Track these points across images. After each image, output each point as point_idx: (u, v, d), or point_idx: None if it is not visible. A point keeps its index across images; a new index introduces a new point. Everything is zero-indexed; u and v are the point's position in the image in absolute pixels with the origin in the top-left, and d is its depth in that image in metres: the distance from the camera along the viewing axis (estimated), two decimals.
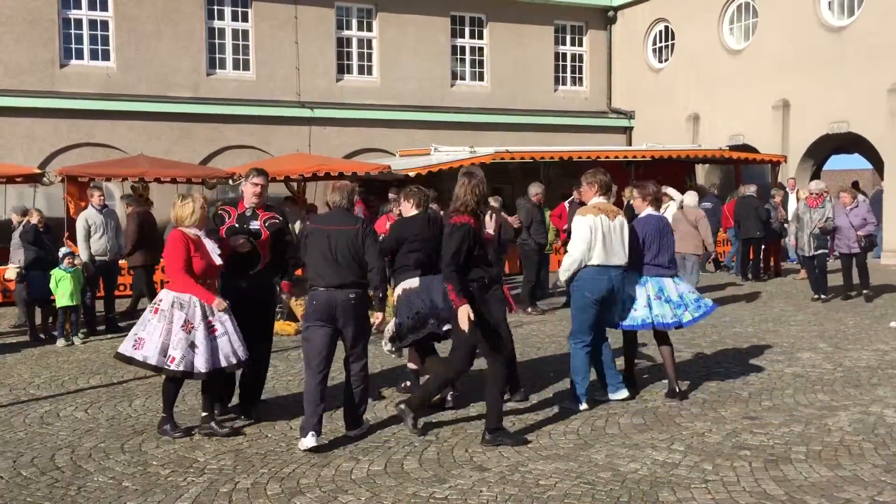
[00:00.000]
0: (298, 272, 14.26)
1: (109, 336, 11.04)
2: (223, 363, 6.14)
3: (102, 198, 11.55)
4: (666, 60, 23.94)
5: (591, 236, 6.84)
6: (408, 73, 22.33)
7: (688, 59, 22.85)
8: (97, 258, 11.24)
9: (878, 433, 6.12)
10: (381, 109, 21.97)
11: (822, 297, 12.99)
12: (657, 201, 7.70)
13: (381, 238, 7.15)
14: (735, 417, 6.60)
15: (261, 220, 6.75)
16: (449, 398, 7.02)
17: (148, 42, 19.77)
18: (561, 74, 24.73)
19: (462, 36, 23.39)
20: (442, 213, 8.13)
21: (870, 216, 13.06)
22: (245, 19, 20.92)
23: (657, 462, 5.58)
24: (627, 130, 25.00)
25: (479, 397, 7.30)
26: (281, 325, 10.96)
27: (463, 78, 23.48)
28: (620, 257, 6.97)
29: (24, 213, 11.99)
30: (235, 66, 20.92)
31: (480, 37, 23.60)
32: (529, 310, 12.39)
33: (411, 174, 16.71)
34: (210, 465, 5.64)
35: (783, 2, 20.34)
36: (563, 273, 7.01)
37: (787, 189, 18.18)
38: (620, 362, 7.67)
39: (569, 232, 13.35)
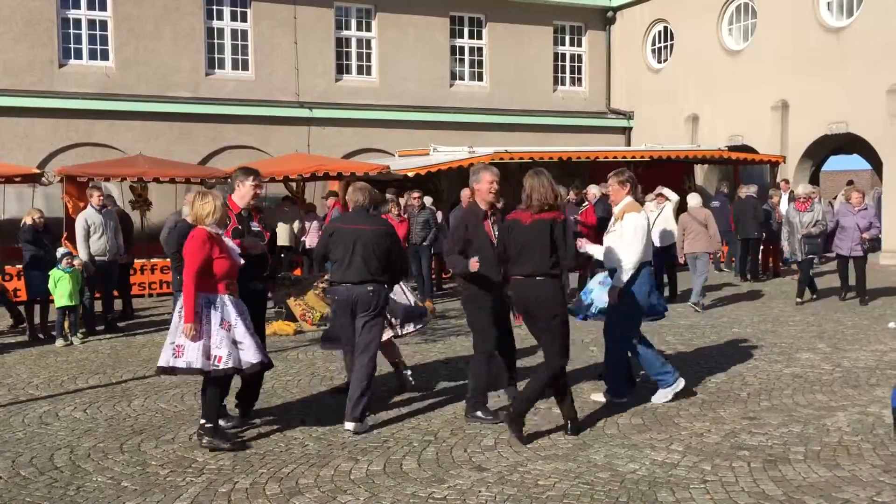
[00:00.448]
0: (297, 272, 14.31)
1: (108, 336, 11.03)
2: (264, 359, 6.14)
3: (101, 198, 11.54)
4: (665, 61, 23.96)
5: (645, 234, 7.03)
6: (407, 74, 22.34)
7: (687, 59, 22.86)
8: (97, 258, 11.23)
9: (876, 433, 6.12)
10: (380, 109, 21.98)
11: (813, 296, 12.94)
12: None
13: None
14: (734, 418, 6.60)
15: (256, 221, 6.75)
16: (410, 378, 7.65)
17: (147, 42, 19.77)
18: (560, 75, 24.74)
19: (461, 36, 23.40)
20: (439, 212, 8.19)
21: (875, 220, 12.91)
22: (244, 19, 20.93)
23: (656, 462, 5.58)
24: (626, 131, 25.02)
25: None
26: (280, 325, 10.98)
27: (462, 78, 23.50)
28: (651, 253, 7.28)
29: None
30: (234, 66, 20.92)
31: (479, 37, 23.61)
32: None
33: (410, 174, 16.71)
34: (209, 465, 5.64)
35: (782, 2, 20.35)
36: (628, 273, 6.95)
37: (780, 191, 18.14)
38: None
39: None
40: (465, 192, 13.54)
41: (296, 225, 15.73)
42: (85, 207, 11.85)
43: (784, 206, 17.04)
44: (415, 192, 14.30)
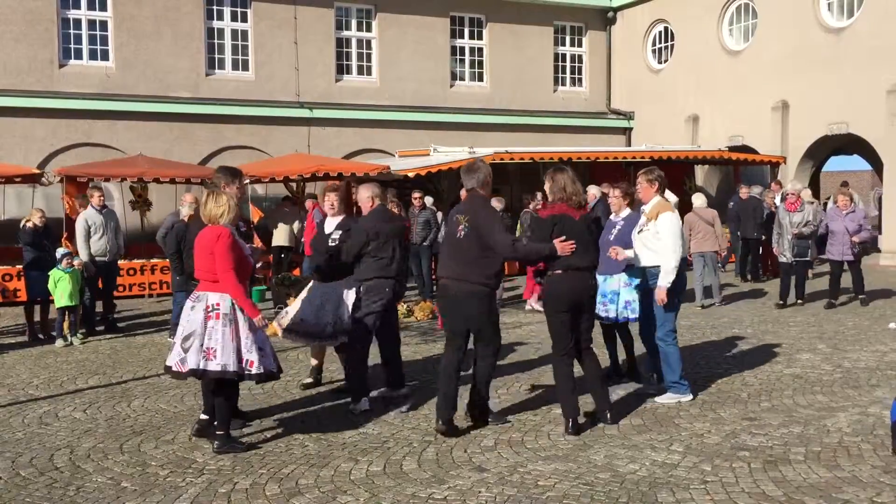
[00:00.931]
0: (296, 272, 14.32)
1: (108, 336, 11.03)
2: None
3: (102, 198, 11.54)
4: (665, 61, 23.96)
5: (681, 232, 7.12)
6: (407, 74, 22.34)
7: (687, 60, 22.87)
8: (97, 258, 11.23)
9: (876, 434, 6.11)
10: (381, 110, 21.98)
11: (799, 301, 12.42)
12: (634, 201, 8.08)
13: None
14: (734, 418, 6.59)
15: (241, 222, 6.79)
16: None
17: (147, 42, 19.77)
18: (560, 75, 24.75)
19: (461, 36, 23.40)
20: (440, 212, 8.22)
21: (865, 222, 12.45)
22: (244, 20, 20.93)
23: (656, 463, 5.57)
24: (627, 131, 25.03)
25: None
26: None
27: (462, 78, 23.50)
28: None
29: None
30: (234, 67, 20.92)
31: (480, 37, 23.62)
32: None
33: (410, 175, 16.71)
34: (209, 466, 5.63)
35: (782, 3, 20.36)
36: (672, 272, 6.96)
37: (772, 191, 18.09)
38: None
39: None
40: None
41: (296, 225, 15.74)
42: (85, 208, 11.84)
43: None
44: (416, 193, 14.30)
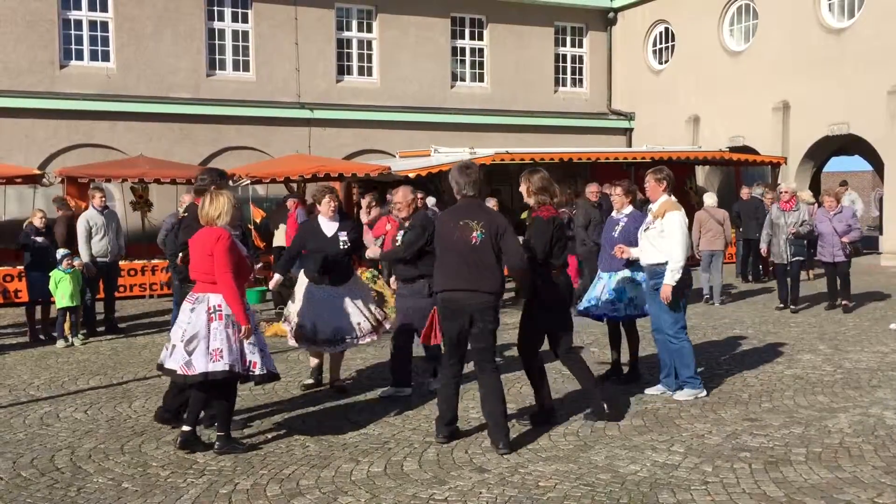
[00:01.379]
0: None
1: (109, 337, 11.04)
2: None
3: (104, 199, 11.54)
4: (666, 62, 23.96)
5: (687, 230, 7.17)
6: (408, 75, 22.34)
7: (688, 60, 22.87)
8: (98, 259, 11.23)
9: (878, 435, 6.11)
10: (381, 110, 21.99)
11: (792, 307, 12.07)
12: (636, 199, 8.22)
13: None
14: (735, 419, 6.59)
15: None
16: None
17: (148, 43, 19.78)
18: (561, 76, 24.75)
19: (462, 37, 23.41)
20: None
21: (854, 221, 12.19)
22: (245, 20, 20.93)
23: (657, 464, 5.57)
24: (627, 132, 25.03)
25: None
26: (280, 327, 10.95)
27: (463, 79, 23.50)
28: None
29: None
30: (235, 67, 20.93)
31: (480, 38, 23.62)
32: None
33: (411, 175, 16.71)
34: (210, 467, 5.63)
35: (783, 3, 20.36)
36: (679, 270, 7.02)
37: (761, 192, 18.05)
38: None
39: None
40: None
41: None
42: (86, 208, 11.84)
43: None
44: (418, 193, 14.27)
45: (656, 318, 7.35)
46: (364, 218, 14.34)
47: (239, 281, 5.85)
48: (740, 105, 21.32)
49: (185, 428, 5.94)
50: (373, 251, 7.88)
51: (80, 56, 19.52)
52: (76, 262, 10.74)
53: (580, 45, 25.06)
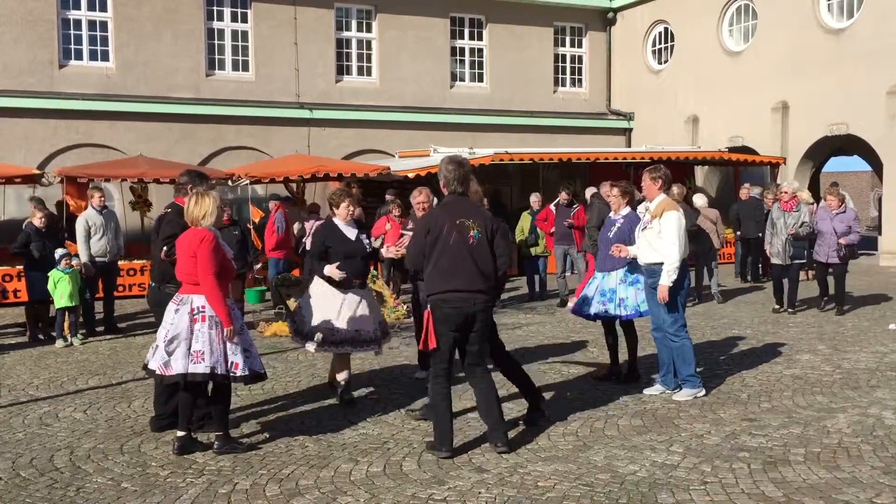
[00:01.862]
0: (295, 273, 14.32)
1: (108, 337, 11.04)
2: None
3: (103, 199, 11.53)
4: (665, 62, 23.97)
5: (684, 230, 7.18)
6: (407, 75, 22.35)
7: (687, 60, 22.87)
8: (97, 259, 11.23)
9: (876, 435, 6.12)
10: (381, 110, 21.99)
11: (790, 310, 11.90)
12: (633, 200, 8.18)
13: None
14: (734, 419, 6.60)
15: None
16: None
17: (147, 43, 19.78)
18: (560, 76, 24.76)
19: (461, 37, 23.41)
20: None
21: (855, 224, 11.87)
22: (244, 20, 20.93)
23: (656, 464, 5.58)
24: (627, 132, 25.04)
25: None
26: (280, 327, 10.97)
27: (462, 79, 23.51)
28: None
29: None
30: (235, 67, 20.92)
31: (480, 38, 23.62)
32: None
33: (410, 175, 16.72)
34: (209, 466, 5.63)
35: (782, 4, 20.37)
36: (675, 270, 7.03)
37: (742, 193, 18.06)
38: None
39: (557, 233, 13.41)
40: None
41: (296, 226, 15.73)
42: (85, 208, 11.84)
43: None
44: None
45: (655, 316, 7.36)
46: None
47: (222, 282, 5.82)
48: (739, 105, 21.33)
49: (180, 433, 5.93)
50: (391, 251, 7.65)
51: (79, 56, 19.51)
52: (74, 262, 10.74)
53: (579, 46, 25.07)
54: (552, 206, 13.80)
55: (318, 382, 8.11)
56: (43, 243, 10.94)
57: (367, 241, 7.40)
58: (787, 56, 20.13)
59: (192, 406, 5.96)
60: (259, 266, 12.38)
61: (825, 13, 19.77)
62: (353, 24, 22.11)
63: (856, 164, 28.13)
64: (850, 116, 18.98)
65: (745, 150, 21.24)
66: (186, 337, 5.71)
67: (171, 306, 5.88)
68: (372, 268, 12.01)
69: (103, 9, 19.59)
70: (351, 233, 7.28)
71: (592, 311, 7.85)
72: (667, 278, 7.02)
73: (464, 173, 5.94)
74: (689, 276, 7.47)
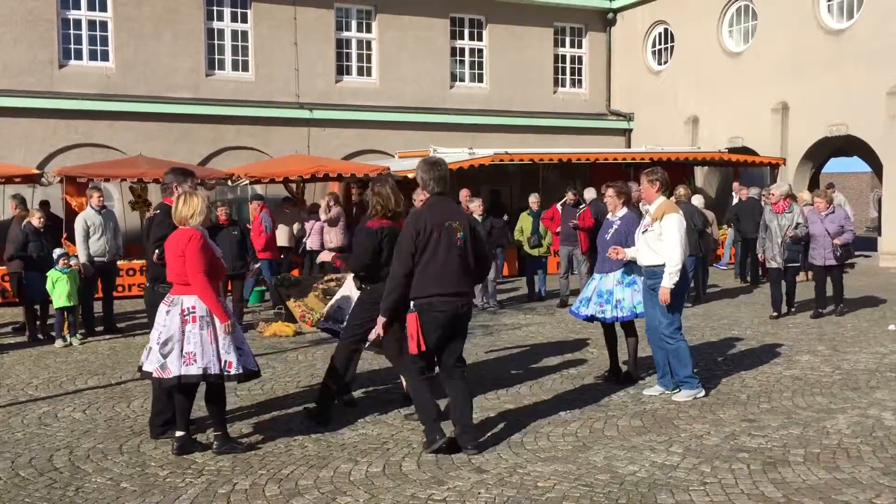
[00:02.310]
0: (295, 273, 14.32)
1: (108, 337, 11.03)
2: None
3: (101, 199, 11.53)
4: (665, 63, 23.97)
5: (685, 233, 7.18)
6: (407, 75, 22.35)
7: (687, 61, 22.88)
8: (96, 259, 11.22)
9: (876, 436, 6.12)
10: (380, 111, 21.99)
11: (792, 310, 11.72)
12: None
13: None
14: (733, 420, 6.60)
15: None
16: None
17: (147, 43, 19.78)
18: (560, 76, 24.76)
19: (461, 38, 23.41)
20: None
21: (847, 223, 11.62)
22: (244, 20, 20.93)
23: (655, 464, 5.57)
24: (626, 132, 25.04)
25: (476, 400, 7.32)
26: (280, 327, 10.97)
27: (462, 79, 23.51)
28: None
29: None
30: (234, 67, 20.92)
31: (480, 38, 23.62)
32: None
33: (410, 176, 16.70)
34: (208, 467, 5.63)
35: (782, 4, 20.37)
36: (677, 273, 7.04)
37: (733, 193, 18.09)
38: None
39: (562, 234, 13.42)
40: (463, 193, 13.55)
41: (295, 226, 15.74)
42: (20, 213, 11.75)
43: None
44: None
45: (651, 318, 7.35)
46: (322, 216, 14.28)
47: (213, 281, 5.80)
48: (739, 106, 21.34)
49: (179, 433, 5.93)
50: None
51: (79, 56, 19.51)
52: (73, 262, 10.74)
53: (579, 46, 25.07)
54: (559, 206, 13.83)
55: (318, 382, 8.10)
56: (41, 243, 10.95)
57: None
58: (787, 57, 20.13)
59: (190, 406, 5.96)
60: (257, 266, 12.38)
61: (825, 14, 19.77)
62: (353, 24, 22.11)
63: (856, 164, 28.11)
64: (849, 117, 18.98)
65: (745, 150, 21.24)
66: (179, 339, 5.70)
67: (162, 307, 5.86)
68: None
69: (103, 9, 19.60)
70: None
71: (590, 312, 7.84)
72: (669, 280, 7.02)
73: (440, 174, 5.91)
74: (689, 279, 7.48)
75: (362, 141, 21.84)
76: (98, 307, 11.55)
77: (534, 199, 14.33)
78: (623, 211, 7.95)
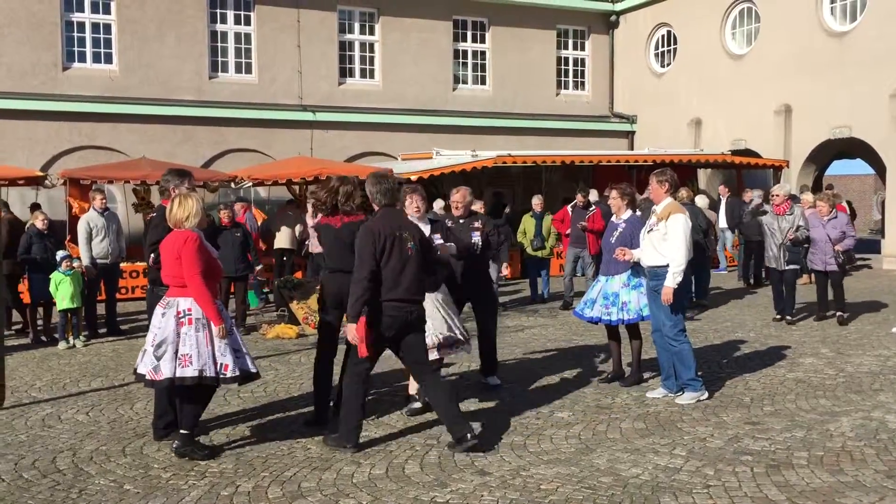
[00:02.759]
0: (298, 275, 14.32)
1: (111, 339, 11.04)
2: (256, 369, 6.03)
3: (104, 201, 11.54)
4: (668, 65, 23.96)
5: (690, 234, 7.18)
6: (410, 77, 22.36)
7: (690, 63, 22.87)
8: (98, 261, 11.23)
9: (879, 439, 6.11)
10: (383, 113, 22.00)
11: (787, 318, 11.38)
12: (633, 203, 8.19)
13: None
14: (737, 422, 6.59)
15: None
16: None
17: (150, 45, 19.81)
18: (563, 78, 24.77)
19: (464, 40, 23.43)
20: (447, 220, 8.18)
21: (849, 228, 11.37)
22: (247, 23, 20.96)
23: (659, 467, 5.57)
24: (629, 135, 25.04)
25: (477, 402, 7.32)
26: (283, 329, 10.98)
27: (465, 82, 23.52)
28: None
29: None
30: (238, 70, 20.95)
31: (482, 41, 23.64)
32: None
33: (413, 178, 16.71)
34: (211, 469, 5.63)
35: (785, 6, 20.36)
36: (680, 273, 7.05)
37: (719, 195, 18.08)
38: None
39: (572, 236, 13.43)
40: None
41: (298, 228, 15.73)
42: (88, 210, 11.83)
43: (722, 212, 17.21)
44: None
45: (656, 319, 7.35)
46: (309, 221, 14.26)
47: (209, 283, 5.79)
48: (742, 108, 21.33)
49: (182, 432, 5.93)
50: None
51: (82, 58, 19.55)
52: (76, 264, 10.75)
53: (582, 48, 25.07)
54: (569, 208, 13.85)
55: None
56: (44, 245, 10.96)
57: (438, 238, 7.22)
58: (790, 59, 20.12)
59: (199, 410, 5.95)
60: (260, 267, 12.39)
61: (828, 16, 19.75)
62: (356, 26, 22.13)
63: (859, 167, 28.08)
64: (853, 119, 18.96)
65: (748, 153, 21.22)
66: (173, 341, 5.68)
67: (158, 310, 5.84)
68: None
69: (107, 11, 19.64)
70: (424, 229, 6.97)
71: (595, 314, 7.84)
72: (672, 280, 7.02)
73: (388, 187, 6.14)
74: (692, 280, 7.48)
75: (365, 143, 21.86)
76: (101, 309, 11.56)
77: (537, 201, 14.32)
78: (627, 213, 7.95)
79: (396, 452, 5.95)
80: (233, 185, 16.64)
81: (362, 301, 5.79)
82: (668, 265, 7.06)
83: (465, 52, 23.46)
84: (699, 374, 7.42)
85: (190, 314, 5.70)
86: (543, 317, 12.38)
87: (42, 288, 10.75)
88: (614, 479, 5.34)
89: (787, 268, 11.35)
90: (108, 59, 19.69)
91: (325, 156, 19.94)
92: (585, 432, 6.38)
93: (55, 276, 10.49)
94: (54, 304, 10.67)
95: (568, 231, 13.63)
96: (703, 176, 22.93)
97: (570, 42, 24.91)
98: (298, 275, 14.35)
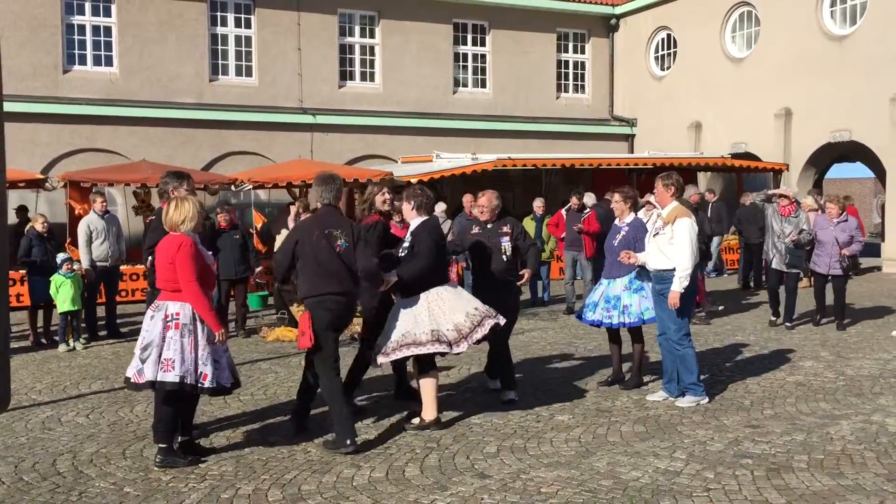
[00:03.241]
0: None
1: (111, 341, 11.04)
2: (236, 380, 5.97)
3: (104, 203, 11.55)
4: (668, 68, 23.99)
5: (696, 238, 7.20)
6: (410, 80, 22.38)
7: (690, 67, 22.89)
8: (98, 264, 11.24)
9: (880, 442, 6.11)
10: (384, 116, 22.02)
11: (788, 323, 11.23)
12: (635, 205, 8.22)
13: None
14: (737, 426, 6.59)
15: None
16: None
17: (151, 48, 19.83)
18: (563, 82, 24.80)
19: (464, 43, 23.45)
20: (449, 220, 8.22)
21: (858, 233, 11.12)
22: (248, 26, 20.98)
23: (659, 470, 5.57)
24: (629, 138, 25.06)
25: (478, 404, 7.31)
26: (283, 332, 10.98)
27: (465, 85, 23.54)
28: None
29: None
30: (238, 73, 20.96)
31: (483, 44, 23.66)
32: None
33: (413, 181, 16.72)
34: (211, 471, 5.63)
35: (785, 10, 20.38)
36: (687, 277, 7.05)
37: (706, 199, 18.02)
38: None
39: (567, 239, 13.41)
40: (466, 198, 13.55)
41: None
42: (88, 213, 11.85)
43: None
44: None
45: (662, 322, 7.35)
46: (291, 225, 14.23)
47: (204, 288, 5.74)
48: (742, 111, 21.35)
49: (180, 438, 5.93)
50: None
51: (83, 61, 19.57)
52: (76, 267, 10.75)
53: (582, 52, 25.09)
54: (563, 212, 13.79)
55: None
56: (44, 248, 10.96)
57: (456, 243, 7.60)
58: (790, 62, 20.14)
59: (176, 417, 5.86)
60: (260, 269, 12.39)
61: (828, 20, 19.78)
62: (357, 29, 22.15)
63: (859, 170, 28.12)
64: (853, 123, 18.98)
65: (748, 156, 21.25)
66: (158, 344, 5.63)
67: (148, 313, 5.81)
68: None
69: (107, 14, 19.66)
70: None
71: (596, 317, 7.84)
72: (679, 284, 7.01)
73: (330, 187, 6.42)
74: (697, 283, 7.48)
75: (365, 146, 21.87)
76: (101, 312, 11.56)
77: (538, 204, 14.31)
78: (631, 216, 7.93)
79: (396, 455, 5.95)
80: (233, 187, 16.65)
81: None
82: (674, 269, 7.06)
83: (465, 56, 23.48)
84: (702, 379, 7.42)
85: (177, 318, 5.64)
86: (544, 320, 12.38)
87: (42, 290, 10.75)
88: (614, 483, 5.34)
89: (788, 272, 11.24)
90: (109, 62, 19.72)
91: (325, 159, 19.98)
92: (586, 435, 6.38)
93: (55, 279, 10.49)
94: (54, 306, 10.67)
95: (563, 235, 13.59)
96: (703, 179, 22.93)
97: (571, 45, 24.93)
98: None
